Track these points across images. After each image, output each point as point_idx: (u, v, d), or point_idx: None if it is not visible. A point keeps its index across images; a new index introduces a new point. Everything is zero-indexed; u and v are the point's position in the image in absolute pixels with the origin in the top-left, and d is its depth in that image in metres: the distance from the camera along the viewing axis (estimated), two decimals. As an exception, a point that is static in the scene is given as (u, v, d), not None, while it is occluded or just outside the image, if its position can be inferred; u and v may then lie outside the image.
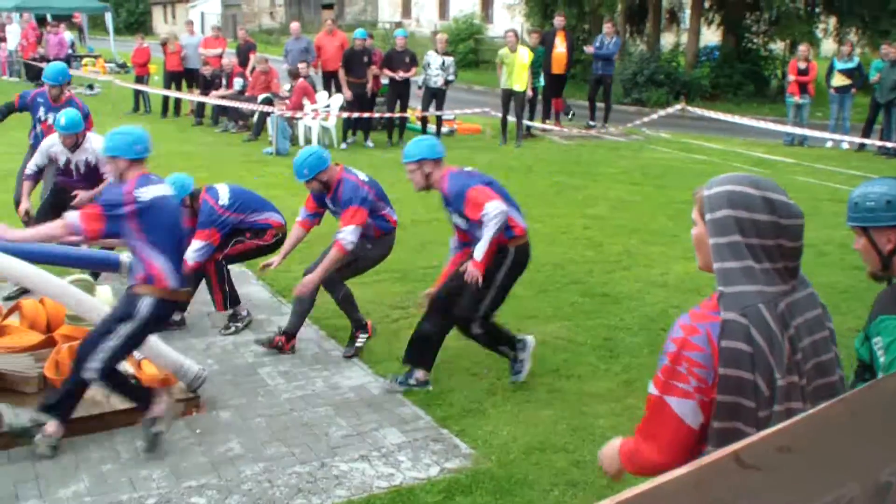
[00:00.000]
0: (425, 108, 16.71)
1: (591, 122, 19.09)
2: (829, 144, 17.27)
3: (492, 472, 4.85)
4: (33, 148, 8.61)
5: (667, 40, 28.18)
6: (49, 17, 31.46)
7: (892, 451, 1.81)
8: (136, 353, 5.78)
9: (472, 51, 33.98)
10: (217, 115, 18.80)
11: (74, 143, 7.64)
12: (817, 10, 24.48)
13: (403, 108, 16.80)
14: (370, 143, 16.54)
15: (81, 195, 7.59)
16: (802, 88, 17.42)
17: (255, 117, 17.15)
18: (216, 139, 17.37)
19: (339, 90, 16.82)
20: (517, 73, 16.31)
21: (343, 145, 16.35)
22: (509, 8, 31.30)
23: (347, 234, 6.13)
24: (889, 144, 15.61)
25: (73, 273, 7.10)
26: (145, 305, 4.89)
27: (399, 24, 35.24)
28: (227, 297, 6.94)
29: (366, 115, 16.33)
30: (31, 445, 4.93)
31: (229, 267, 7.00)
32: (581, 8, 24.87)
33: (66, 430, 5.02)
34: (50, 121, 8.61)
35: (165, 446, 5.11)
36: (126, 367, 5.75)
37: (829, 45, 25.61)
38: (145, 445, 5.01)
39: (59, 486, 4.67)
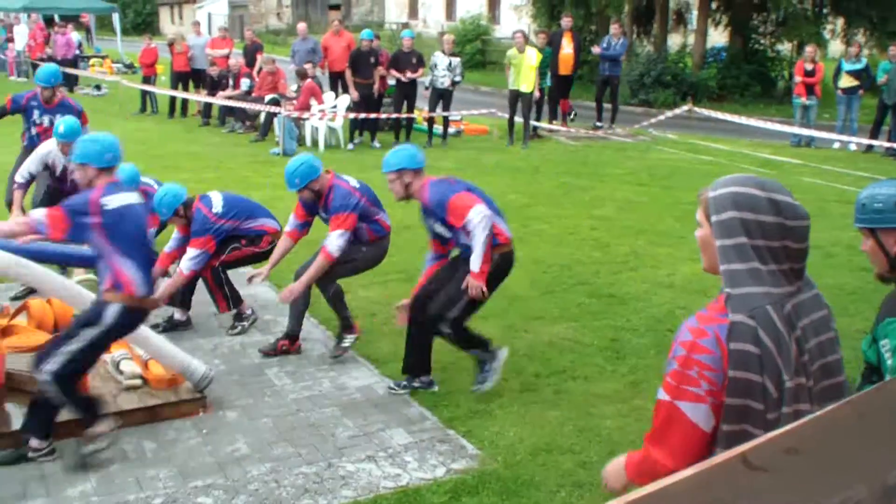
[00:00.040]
0: (432, 109, 16.70)
1: (598, 123, 19.08)
2: (837, 146, 17.23)
3: (498, 472, 4.85)
4: (27, 150, 8.60)
5: (674, 41, 28.13)
6: (57, 18, 31.51)
7: (900, 454, 1.81)
8: (143, 353, 5.81)
9: (478, 51, 33.95)
10: (224, 115, 18.83)
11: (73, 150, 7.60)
12: (825, 11, 24.43)
13: (410, 109, 16.80)
14: (377, 144, 16.54)
15: None
16: (809, 90, 17.39)
17: (262, 118, 17.18)
18: (223, 140, 17.39)
19: (345, 91, 16.83)
20: (525, 73, 16.30)
21: (350, 146, 16.35)
22: (516, 9, 31.26)
23: (334, 241, 6.09)
24: (897, 146, 15.59)
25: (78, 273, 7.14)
26: (111, 313, 4.83)
27: (406, 25, 35.19)
28: (229, 299, 6.94)
29: (372, 115, 16.33)
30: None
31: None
32: (588, 9, 24.83)
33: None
34: (45, 123, 8.61)
35: (173, 447, 5.13)
36: (133, 367, 5.78)
37: (836, 47, 25.55)
38: (72, 462, 4.87)
39: (67, 485, 4.69)
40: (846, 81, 17.02)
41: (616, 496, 2.51)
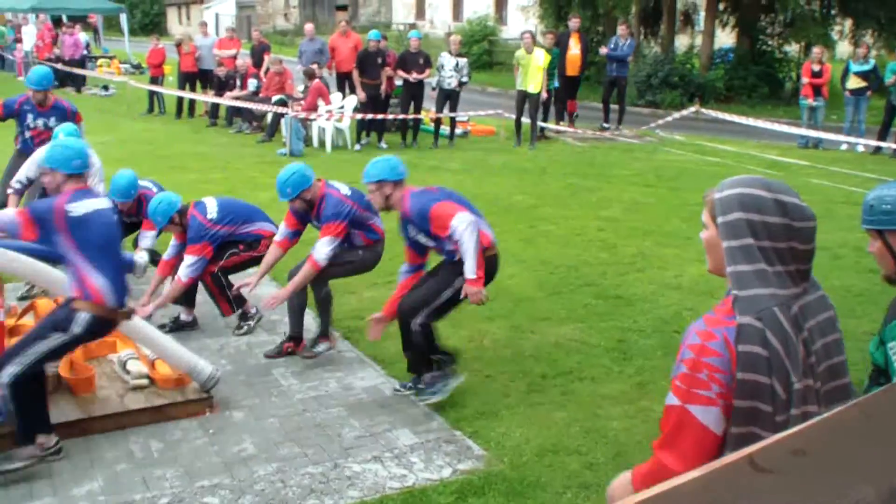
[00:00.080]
0: (439, 110, 16.72)
1: (605, 124, 19.07)
2: (844, 147, 17.19)
3: (504, 473, 4.85)
4: (20, 154, 8.60)
5: (681, 42, 28.10)
6: (65, 18, 31.67)
7: (908, 456, 1.80)
8: (150, 353, 5.83)
9: (485, 52, 33.94)
10: (231, 116, 18.86)
11: None
12: (833, 12, 24.37)
13: (417, 110, 16.81)
14: (384, 145, 16.55)
15: None
16: (816, 91, 17.35)
17: (269, 118, 17.20)
18: (230, 140, 17.42)
19: (353, 91, 16.85)
20: (532, 74, 16.30)
21: (357, 147, 16.37)
22: (523, 10, 31.24)
23: (322, 249, 6.05)
24: (905, 147, 15.55)
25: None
26: (81, 321, 4.78)
27: (413, 26, 35.30)
28: (232, 302, 6.93)
29: (379, 116, 16.34)
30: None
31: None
32: (595, 10, 24.81)
33: (51, 435, 4.91)
34: (40, 126, 8.54)
35: (179, 446, 5.14)
36: (140, 367, 5.80)
37: (844, 48, 25.49)
38: None
39: (73, 484, 4.70)
40: (854, 83, 16.97)
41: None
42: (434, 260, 5.97)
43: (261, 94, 17.89)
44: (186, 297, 6.95)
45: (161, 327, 6.55)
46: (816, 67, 17.34)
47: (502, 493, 4.65)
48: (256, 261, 6.95)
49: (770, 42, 25.52)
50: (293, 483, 4.74)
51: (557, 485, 4.74)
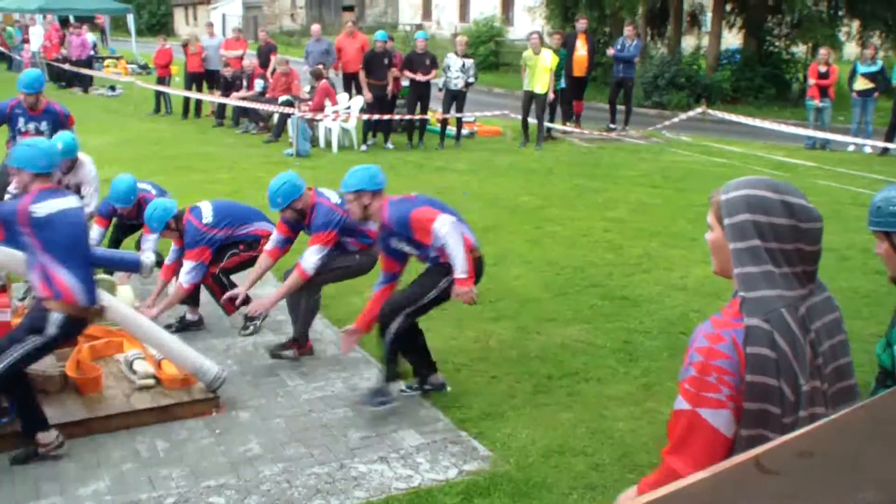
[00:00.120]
0: (445, 111, 16.72)
1: (612, 125, 19.05)
2: (852, 148, 17.15)
3: (510, 474, 4.84)
4: None
5: (688, 43, 28.07)
6: (72, 19, 31.72)
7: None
8: (156, 353, 5.84)
9: (492, 53, 33.94)
10: (238, 116, 18.87)
11: (70, 166, 7.56)
12: (840, 13, 24.32)
13: (424, 111, 16.82)
14: (390, 145, 16.56)
15: None
16: (823, 92, 17.32)
17: (276, 119, 17.21)
18: (237, 140, 17.43)
19: (359, 92, 16.85)
20: (539, 75, 16.30)
21: (363, 147, 16.38)
22: (530, 10, 31.24)
23: (310, 257, 6.02)
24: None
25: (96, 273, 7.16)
26: (54, 322, 4.77)
27: (419, 27, 35.23)
28: (233, 301, 6.93)
29: (386, 116, 16.35)
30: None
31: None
32: (602, 11, 24.81)
33: (55, 430, 4.94)
34: (31, 130, 8.36)
35: (185, 446, 5.14)
36: (146, 367, 5.81)
37: (851, 49, 25.43)
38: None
39: (80, 484, 4.71)
40: (861, 84, 16.94)
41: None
42: (414, 271, 5.92)
43: (267, 95, 17.90)
44: (190, 297, 6.96)
45: (167, 327, 6.56)
46: (823, 69, 17.31)
47: (508, 493, 4.65)
48: (256, 260, 6.95)
49: (777, 43, 25.47)
50: (299, 483, 4.75)
51: (563, 486, 4.74)
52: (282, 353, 6.44)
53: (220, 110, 19.29)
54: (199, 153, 15.54)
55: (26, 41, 29.67)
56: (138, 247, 7.55)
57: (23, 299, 7.23)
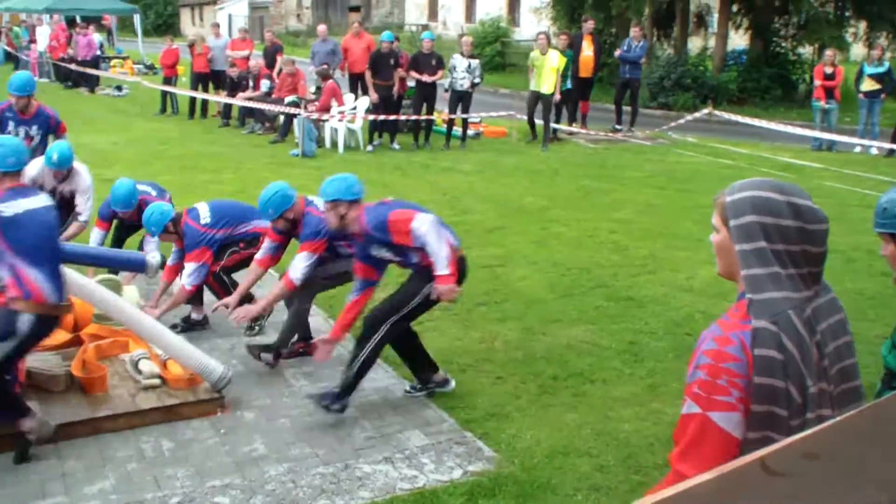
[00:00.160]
0: (451, 111, 16.72)
1: (618, 126, 19.05)
2: (858, 149, 17.12)
3: (515, 475, 4.84)
4: None
5: (694, 44, 28.02)
6: (78, 19, 31.78)
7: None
8: (161, 353, 5.84)
9: (498, 54, 33.92)
10: (244, 116, 18.89)
11: (65, 175, 7.48)
12: (847, 14, 24.28)
13: (430, 111, 16.82)
14: (396, 146, 16.57)
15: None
16: (829, 93, 17.28)
17: (282, 119, 17.22)
18: (243, 140, 17.45)
19: (365, 92, 16.87)
20: (546, 75, 16.31)
21: (369, 148, 16.37)
22: (536, 11, 31.22)
23: (299, 266, 5.98)
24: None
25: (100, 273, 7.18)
26: (25, 323, 4.69)
27: (425, 27, 35.33)
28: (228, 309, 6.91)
29: (392, 117, 16.36)
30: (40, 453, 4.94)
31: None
32: (608, 11, 24.79)
33: (32, 416, 4.90)
34: (21, 135, 8.20)
35: (190, 446, 5.15)
36: (152, 366, 5.81)
37: (858, 50, 25.38)
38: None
39: (85, 483, 4.71)
40: (868, 85, 16.91)
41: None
42: (391, 280, 5.86)
43: (273, 95, 17.92)
44: (194, 296, 6.97)
45: (173, 327, 6.56)
46: (829, 70, 17.28)
47: (512, 494, 4.64)
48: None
49: (784, 44, 25.43)
50: (304, 483, 4.75)
51: (568, 487, 4.74)
52: (260, 355, 6.36)
53: (226, 110, 19.31)
54: (205, 153, 15.55)
55: (33, 41, 29.77)
56: (141, 248, 7.56)
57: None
